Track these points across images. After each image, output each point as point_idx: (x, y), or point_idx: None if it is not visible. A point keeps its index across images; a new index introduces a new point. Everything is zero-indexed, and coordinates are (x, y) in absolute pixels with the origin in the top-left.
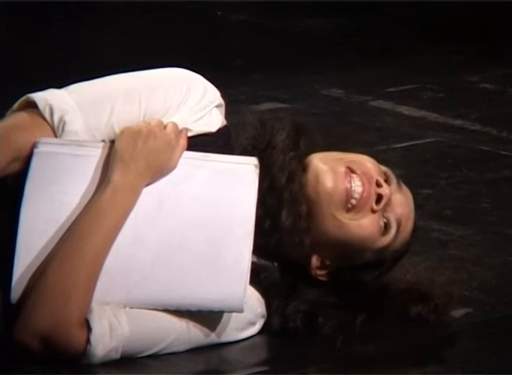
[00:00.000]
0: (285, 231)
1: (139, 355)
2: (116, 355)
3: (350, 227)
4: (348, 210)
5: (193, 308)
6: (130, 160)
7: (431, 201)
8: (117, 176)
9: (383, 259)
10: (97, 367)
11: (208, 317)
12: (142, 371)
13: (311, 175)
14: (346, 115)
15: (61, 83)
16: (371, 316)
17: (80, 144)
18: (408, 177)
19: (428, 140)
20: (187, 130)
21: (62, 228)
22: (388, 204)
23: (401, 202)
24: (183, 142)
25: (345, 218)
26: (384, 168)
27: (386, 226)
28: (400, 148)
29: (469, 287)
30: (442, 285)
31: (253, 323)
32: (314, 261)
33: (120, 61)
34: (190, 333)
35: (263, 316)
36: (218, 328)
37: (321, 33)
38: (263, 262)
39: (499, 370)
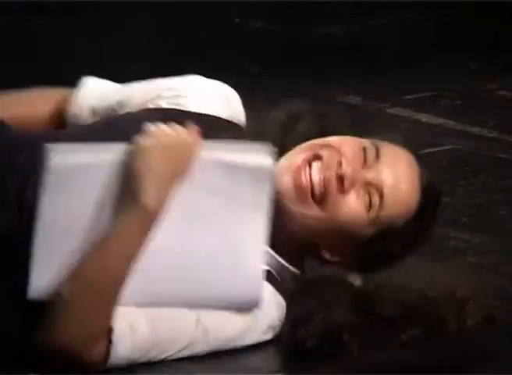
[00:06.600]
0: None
1: (160, 356)
2: (137, 356)
3: (332, 216)
4: (319, 201)
5: (208, 303)
6: (161, 181)
7: (448, 209)
8: (147, 199)
9: (391, 229)
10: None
11: (227, 319)
12: None
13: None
14: (364, 122)
15: (68, 83)
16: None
17: (94, 150)
18: None
19: (446, 147)
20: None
21: (77, 238)
22: (360, 179)
23: (379, 171)
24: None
25: (318, 209)
26: (365, 143)
27: (370, 200)
28: (417, 155)
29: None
30: (475, 294)
31: (273, 328)
32: (323, 253)
33: (136, 65)
34: (209, 335)
35: (281, 321)
36: (238, 331)
37: (338, 40)
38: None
39: None
